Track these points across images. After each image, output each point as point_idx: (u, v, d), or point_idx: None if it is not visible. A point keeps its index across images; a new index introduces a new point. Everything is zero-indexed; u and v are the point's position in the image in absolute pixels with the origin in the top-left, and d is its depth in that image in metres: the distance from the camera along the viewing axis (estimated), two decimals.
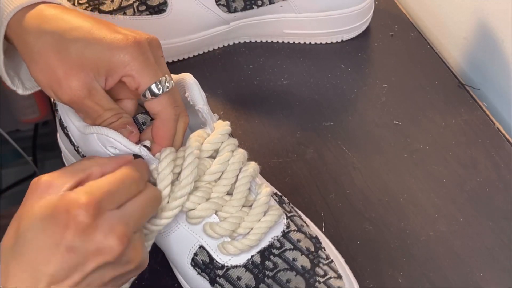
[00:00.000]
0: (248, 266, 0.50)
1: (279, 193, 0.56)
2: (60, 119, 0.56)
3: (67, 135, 0.56)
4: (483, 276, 0.57)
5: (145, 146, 0.49)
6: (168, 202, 0.49)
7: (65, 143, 0.60)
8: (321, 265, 0.51)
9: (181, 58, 0.75)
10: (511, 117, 0.72)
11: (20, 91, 0.55)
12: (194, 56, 0.76)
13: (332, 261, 0.52)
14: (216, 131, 0.52)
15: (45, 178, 0.44)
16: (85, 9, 0.71)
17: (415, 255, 0.59)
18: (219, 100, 0.71)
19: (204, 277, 0.51)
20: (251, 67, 0.75)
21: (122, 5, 0.71)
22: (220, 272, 0.50)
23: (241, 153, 0.52)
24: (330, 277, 0.50)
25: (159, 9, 0.71)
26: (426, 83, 0.74)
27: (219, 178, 0.51)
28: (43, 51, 0.48)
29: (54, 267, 0.41)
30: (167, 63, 0.74)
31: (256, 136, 0.68)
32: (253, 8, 0.73)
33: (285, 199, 0.56)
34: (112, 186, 0.44)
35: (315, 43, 0.78)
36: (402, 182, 0.64)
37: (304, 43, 0.78)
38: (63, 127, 0.56)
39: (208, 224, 0.50)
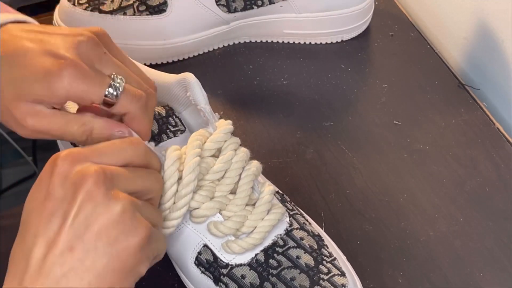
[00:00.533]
0: (252, 264, 0.50)
1: (280, 192, 0.56)
2: None
3: None
4: (483, 276, 0.57)
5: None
6: (174, 202, 0.49)
7: (65, 143, 0.60)
8: (324, 262, 0.51)
9: (181, 58, 0.75)
10: (511, 117, 0.72)
11: None
12: (194, 56, 0.76)
13: (335, 258, 0.52)
14: (219, 130, 0.52)
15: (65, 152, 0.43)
16: (85, 9, 0.71)
17: (415, 255, 0.59)
18: (219, 100, 0.71)
19: (208, 276, 0.51)
20: (251, 67, 0.75)
21: (122, 5, 0.71)
22: (225, 271, 0.50)
23: (244, 152, 0.52)
24: (334, 275, 0.51)
25: (159, 9, 0.71)
26: (426, 83, 0.74)
27: (222, 177, 0.51)
28: None
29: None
30: (167, 63, 0.75)
31: (256, 136, 0.68)
32: (253, 8, 0.73)
33: (287, 198, 0.56)
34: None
35: (315, 43, 0.78)
36: (402, 182, 0.64)
37: (304, 43, 0.78)
38: None
39: (212, 223, 0.50)
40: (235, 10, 0.72)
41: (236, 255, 0.50)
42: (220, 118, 0.54)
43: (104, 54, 0.47)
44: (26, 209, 0.42)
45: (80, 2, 0.71)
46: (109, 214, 0.41)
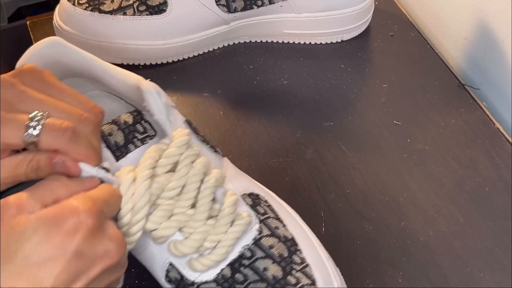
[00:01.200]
0: (219, 280, 0.48)
1: (255, 192, 0.53)
2: None
3: None
4: (483, 276, 0.58)
5: (103, 168, 0.47)
6: (129, 228, 0.47)
7: None
8: (293, 272, 0.49)
9: (181, 58, 0.75)
10: (511, 117, 0.72)
11: None
12: (194, 56, 0.76)
13: (307, 265, 0.50)
14: (173, 143, 0.49)
15: (13, 198, 0.42)
16: (85, 9, 0.71)
17: (415, 255, 0.59)
18: (219, 100, 0.71)
19: None
20: (251, 67, 0.75)
21: (122, 5, 0.71)
22: None
23: (201, 163, 0.49)
24: (303, 285, 0.48)
25: (159, 9, 0.71)
26: (426, 83, 0.74)
27: (180, 193, 0.48)
28: None
29: (60, 276, 0.40)
30: (167, 63, 0.75)
31: (256, 136, 0.68)
32: (253, 8, 0.73)
33: (263, 197, 0.53)
34: (107, 197, 0.44)
35: (315, 43, 0.78)
36: (402, 182, 0.64)
37: (304, 43, 0.78)
38: None
39: (172, 243, 0.48)
40: (235, 10, 0.72)
41: (201, 272, 0.48)
42: (186, 120, 0.52)
43: (22, 93, 0.45)
44: (25, 240, 0.40)
45: (80, 2, 0.71)
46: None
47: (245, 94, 0.72)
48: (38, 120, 0.44)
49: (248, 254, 0.49)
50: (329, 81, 0.74)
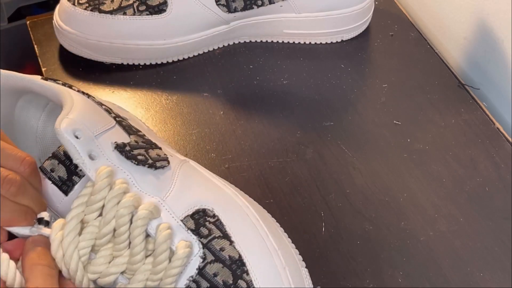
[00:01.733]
0: None
1: (202, 208, 0.50)
2: None
3: None
4: (483, 276, 0.58)
5: (40, 218, 0.47)
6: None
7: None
8: None
9: (181, 58, 0.75)
10: (511, 117, 0.72)
11: None
12: (194, 56, 0.76)
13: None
14: (94, 188, 0.47)
15: None
16: (85, 9, 0.71)
17: (415, 255, 0.59)
18: (219, 100, 0.71)
19: None
20: (251, 67, 0.75)
21: (122, 5, 0.71)
22: None
23: (126, 203, 0.47)
24: None
25: (159, 9, 0.71)
26: (426, 83, 0.74)
27: (113, 237, 0.47)
28: None
29: None
30: (167, 63, 0.75)
31: (256, 136, 0.68)
32: (253, 8, 0.73)
33: (210, 212, 0.50)
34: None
35: (315, 43, 0.78)
36: (402, 182, 0.64)
37: (304, 43, 0.78)
38: None
39: None
40: (235, 10, 0.72)
41: None
42: (117, 146, 0.50)
43: None
44: None
45: (80, 2, 0.71)
46: None
47: (245, 94, 0.72)
48: None
49: (193, 286, 0.47)
50: (329, 81, 0.74)
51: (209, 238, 0.48)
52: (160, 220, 0.48)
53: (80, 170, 0.49)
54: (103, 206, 0.47)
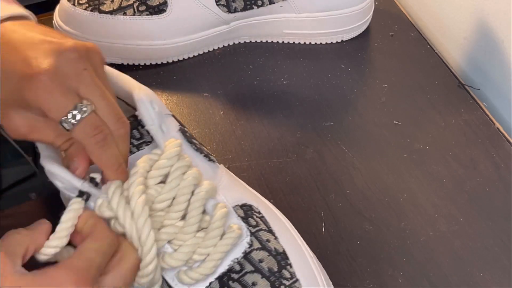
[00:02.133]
0: None
1: (248, 203, 0.52)
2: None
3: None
4: (483, 276, 0.57)
5: (92, 178, 0.47)
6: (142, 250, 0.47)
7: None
8: (282, 287, 0.48)
9: (181, 58, 0.75)
10: (511, 117, 0.72)
11: None
12: (194, 56, 0.76)
13: (296, 280, 0.49)
14: (164, 154, 0.49)
15: None
16: (85, 9, 0.71)
17: (415, 255, 0.59)
18: (219, 100, 0.71)
19: None
20: (251, 67, 0.75)
21: (122, 5, 0.71)
22: None
23: (192, 174, 0.49)
24: None
25: (159, 9, 0.71)
26: (426, 83, 0.74)
27: (170, 205, 0.48)
28: None
29: None
30: (167, 63, 0.75)
31: (256, 136, 0.68)
32: (253, 8, 0.73)
33: (256, 208, 0.52)
34: (94, 257, 0.43)
35: (315, 43, 0.78)
36: (402, 182, 0.64)
37: (304, 43, 0.78)
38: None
39: (161, 255, 0.47)
40: (235, 10, 0.72)
41: (189, 285, 0.47)
42: (181, 129, 0.52)
43: (84, 71, 0.45)
44: None
45: (80, 2, 0.71)
46: None
47: (245, 94, 0.72)
48: (83, 112, 0.44)
49: (238, 267, 0.48)
50: (329, 81, 0.74)
51: (257, 228, 0.50)
52: (216, 200, 0.50)
53: (133, 146, 0.51)
54: (168, 174, 0.48)
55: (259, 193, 0.62)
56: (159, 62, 0.74)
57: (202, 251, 0.47)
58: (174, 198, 0.48)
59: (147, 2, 0.71)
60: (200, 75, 0.74)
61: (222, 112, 0.70)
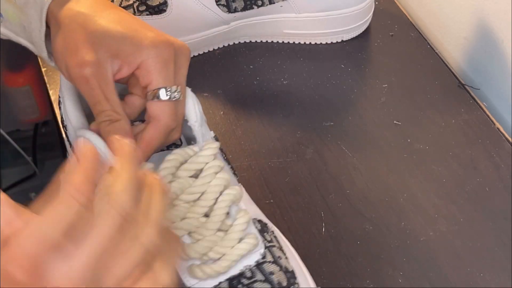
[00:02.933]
0: None
1: (264, 221, 0.54)
2: (62, 118, 0.56)
3: (65, 134, 0.56)
4: (483, 276, 0.57)
5: None
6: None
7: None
8: None
9: None
10: (511, 117, 0.72)
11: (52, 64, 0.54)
12: (194, 56, 0.76)
13: None
14: (202, 151, 0.51)
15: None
16: None
17: (415, 255, 0.59)
18: (219, 100, 0.71)
19: None
20: (251, 67, 0.75)
21: (122, 5, 0.71)
22: None
23: (224, 176, 0.50)
24: None
25: (159, 9, 0.71)
26: (426, 83, 0.74)
27: (198, 199, 0.50)
28: (72, 25, 0.49)
29: None
30: None
31: (256, 136, 0.68)
32: (253, 8, 0.73)
33: (270, 227, 0.53)
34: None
35: (315, 43, 0.78)
36: (402, 182, 0.64)
37: (304, 43, 0.78)
38: (63, 126, 0.56)
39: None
40: (235, 10, 0.72)
41: (199, 280, 0.48)
42: (215, 136, 0.53)
43: (183, 69, 0.52)
44: None
45: None
46: None
47: (245, 94, 0.72)
48: (174, 94, 0.50)
49: (249, 274, 0.49)
50: (329, 81, 0.74)
51: (271, 244, 0.52)
52: (239, 207, 0.51)
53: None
54: (201, 170, 0.50)
55: (259, 193, 0.63)
56: None
57: (219, 250, 0.49)
58: (202, 194, 0.50)
59: (147, 2, 0.71)
60: (200, 75, 0.74)
61: (222, 112, 0.70)
